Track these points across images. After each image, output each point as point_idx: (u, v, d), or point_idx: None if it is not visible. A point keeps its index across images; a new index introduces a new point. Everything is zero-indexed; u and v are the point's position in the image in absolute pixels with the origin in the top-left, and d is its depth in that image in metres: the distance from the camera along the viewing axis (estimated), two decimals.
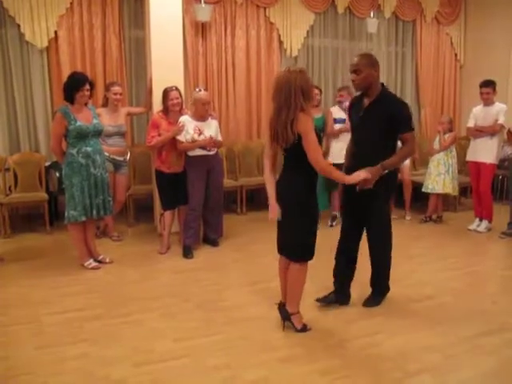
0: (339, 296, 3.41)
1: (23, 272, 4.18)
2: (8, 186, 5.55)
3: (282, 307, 3.05)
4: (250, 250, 4.71)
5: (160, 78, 4.86)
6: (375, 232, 3.32)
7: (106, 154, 4.52)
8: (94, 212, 4.12)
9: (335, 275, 3.44)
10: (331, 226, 5.57)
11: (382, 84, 3.20)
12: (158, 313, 3.33)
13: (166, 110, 4.59)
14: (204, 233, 4.92)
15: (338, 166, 5.35)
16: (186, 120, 4.46)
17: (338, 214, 5.60)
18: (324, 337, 2.99)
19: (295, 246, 2.91)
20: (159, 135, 4.50)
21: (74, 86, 3.98)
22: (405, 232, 5.36)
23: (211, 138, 4.46)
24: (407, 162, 5.72)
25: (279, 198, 2.89)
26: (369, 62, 3.08)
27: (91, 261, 4.26)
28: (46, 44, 5.73)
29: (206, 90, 4.73)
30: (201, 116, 4.48)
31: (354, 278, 3.46)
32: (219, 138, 4.65)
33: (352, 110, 3.38)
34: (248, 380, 2.52)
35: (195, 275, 4.07)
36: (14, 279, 4.02)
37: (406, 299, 3.55)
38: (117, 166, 5.00)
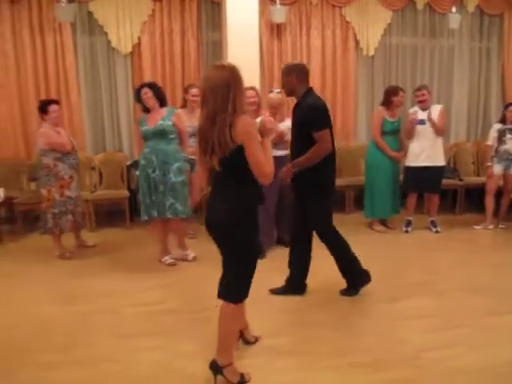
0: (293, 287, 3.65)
1: (105, 264, 4.45)
2: (93, 184, 5.91)
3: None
4: (321, 253, 4.64)
5: None
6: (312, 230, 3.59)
7: (185, 154, 4.66)
8: (154, 212, 4.24)
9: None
10: (406, 231, 5.37)
11: (310, 89, 3.40)
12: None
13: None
14: (278, 234, 4.93)
15: (413, 169, 5.24)
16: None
17: (412, 218, 5.40)
18: (398, 345, 2.89)
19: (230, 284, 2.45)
20: None
21: (136, 95, 4.33)
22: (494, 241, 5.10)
23: (282, 132, 4.46)
24: None
25: (214, 228, 2.43)
26: (286, 70, 3.41)
27: (167, 257, 4.42)
28: (129, 49, 6.07)
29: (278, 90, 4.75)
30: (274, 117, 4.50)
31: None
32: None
33: None
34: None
35: (265, 275, 4.06)
36: (98, 271, 4.29)
37: (488, 311, 3.35)
38: (192, 166, 5.16)
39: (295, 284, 3.67)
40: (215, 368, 2.48)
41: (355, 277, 3.63)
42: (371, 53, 6.73)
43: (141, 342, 2.96)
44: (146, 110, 4.29)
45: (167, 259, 4.41)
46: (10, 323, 3.28)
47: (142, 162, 4.25)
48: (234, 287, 2.43)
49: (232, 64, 2.33)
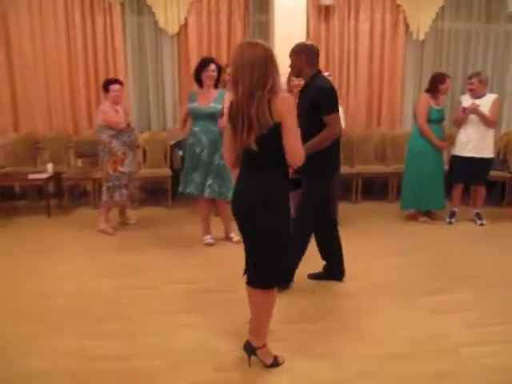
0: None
1: (146, 241, 4.56)
2: (138, 162, 6.04)
3: None
4: (363, 241, 4.60)
5: (283, 62, 4.88)
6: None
7: None
8: (190, 189, 4.28)
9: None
10: (450, 223, 5.20)
11: (319, 71, 3.32)
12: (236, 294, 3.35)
13: (289, 93, 4.60)
14: None
15: (458, 158, 5.06)
16: None
17: (457, 210, 5.24)
18: (437, 338, 2.83)
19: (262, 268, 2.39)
20: None
21: (200, 66, 4.21)
22: None
23: None
24: None
25: (245, 210, 2.35)
26: (296, 50, 3.31)
27: (208, 237, 4.47)
28: (176, 30, 6.11)
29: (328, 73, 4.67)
30: None
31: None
32: (343, 124, 4.55)
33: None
34: (352, 373, 2.48)
35: (305, 261, 4.03)
36: (139, 247, 4.41)
37: None
38: None
39: (333, 271, 3.64)
40: (249, 349, 2.50)
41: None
42: (421, 37, 6.49)
43: (177, 319, 3.02)
44: (201, 85, 4.26)
45: (207, 239, 4.46)
46: (53, 294, 3.42)
47: (191, 139, 4.27)
48: (263, 272, 2.38)
49: (262, 40, 2.28)
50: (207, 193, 4.26)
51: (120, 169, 4.74)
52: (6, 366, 2.52)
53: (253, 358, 2.50)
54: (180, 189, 4.40)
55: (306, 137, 3.17)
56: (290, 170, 2.40)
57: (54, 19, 5.99)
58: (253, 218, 2.31)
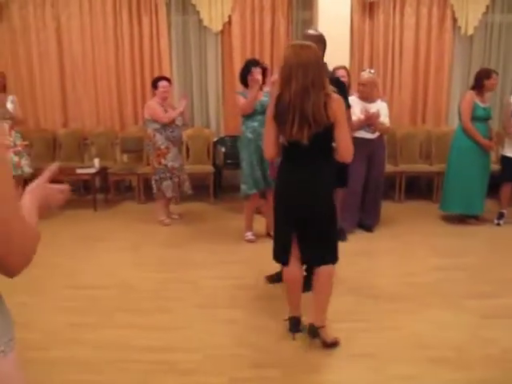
0: None
1: (188, 236, 4.64)
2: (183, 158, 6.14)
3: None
4: (406, 240, 4.52)
5: (326, 59, 4.84)
6: None
7: None
8: (262, 185, 4.27)
9: None
10: (498, 224, 4.99)
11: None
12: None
13: None
14: (360, 217, 4.83)
15: (508, 159, 4.86)
16: (353, 101, 4.39)
17: (505, 211, 5.03)
18: (484, 344, 2.73)
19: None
20: None
21: (246, 69, 4.23)
22: None
23: (373, 114, 4.29)
24: None
25: (307, 199, 2.50)
26: (314, 38, 2.82)
27: (249, 233, 4.49)
28: (220, 28, 6.16)
29: (372, 71, 4.61)
30: (362, 97, 4.38)
31: None
32: (386, 120, 4.47)
33: None
34: (392, 374, 2.44)
35: (348, 259, 4.00)
36: (181, 242, 4.49)
37: None
38: None
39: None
40: (313, 331, 2.63)
41: None
42: (470, 32, 6.26)
43: (217, 314, 3.07)
44: (247, 86, 4.25)
45: (248, 235, 4.49)
46: (99, 284, 3.55)
47: (250, 135, 4.22)
48: (333, 249, 2.59)
49: (309, 42, 2.43)
50: (267, 184, 4.24)
51: (163, 162, 4.88)
52: (51, 353, 2.63)
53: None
54: (253, 190, 4.29)
55: None
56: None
57: (103, 19, 6.18)
58: (321, 204, 2.51)
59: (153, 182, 5.01)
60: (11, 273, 0.88)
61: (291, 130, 2.35)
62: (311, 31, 3.15)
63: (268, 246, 4.32)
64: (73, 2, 6.14)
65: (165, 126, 4.83)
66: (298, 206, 2.52)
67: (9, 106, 4.88)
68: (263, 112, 4.11)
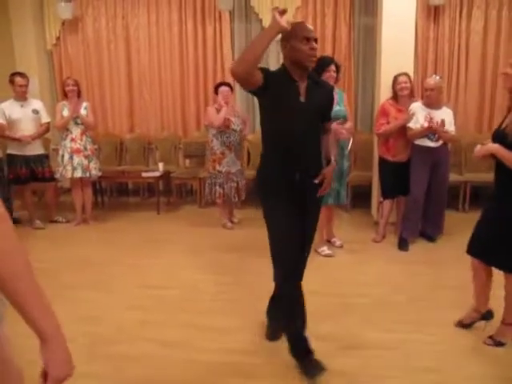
0: None
1: (246, 241, 4.67)
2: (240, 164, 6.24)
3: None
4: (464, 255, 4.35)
5: (389, 65, 4.83)
6: None
7: None
8: (330, 199, 4.19)
9: None
10: None
11: None
12: (369, 300, 3.36)
13: (395, 97, 4.50)
14: (422, 226, 4.71)
15: None
16: (417, 107, 4.32)
17: None
18: None
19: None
20: (388, 123, 4.43)
21: (320, 67, 3.94)
22: None
23: (441, 122, 4.16)
24: None
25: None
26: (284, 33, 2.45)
27: (325, 248, 4.34)
28: (281, 35, 6.20)
29: (439, 77, 4.52)
30: (428, 103, 4.29)
31: None
32: (452, 128, 4.35)
33: None
34: None
35: (409, 269, 3.96)
36: (239, 246, 4.55)
37: None
38: None
39: None
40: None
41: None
42: None
43: None
44: None
45: (325, 250, 4.32)
46: (163, 285, 3.69)
47: None
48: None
49: None
50: (342, 201, 4.39)
51: (218, 167, 5.00)
52: (115, 348, 2.77)
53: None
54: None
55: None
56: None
57: (169, 29, 6.44)
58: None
59: (206, 186, 5.16)
60: None
61: None
62: None
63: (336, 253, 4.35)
64: (141, 13, 6.44)
65: (221, 132, 4.93)
66: None
67: (83, 111, 5.17)
68: (336, 120, 3.89)
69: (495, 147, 2.54)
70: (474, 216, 5.48)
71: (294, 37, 2.37)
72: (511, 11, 5.99)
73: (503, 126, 2.59)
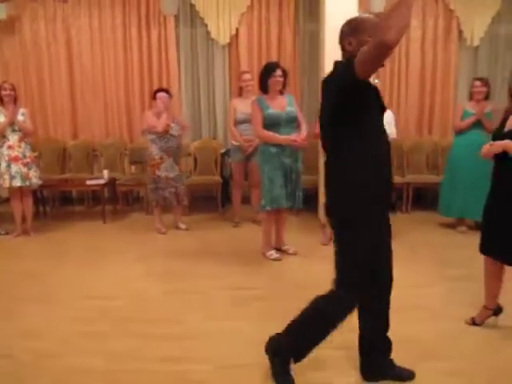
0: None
1: (196, 247, 4.66)
2: (189, 170, 6.20)
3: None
4: (412, 255, 4.52)
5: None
6: None
7: (235, 143, 5.17)
8: (285, 202, 4.09)
9: None
10: None
11: None
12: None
13: None
14: None
15: None
16: None
17: None
18: None
19: None
20: None
21: (267, 72, 4.06)
22: None
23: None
24: None
25: None
26: (348, 28, 2.13)
27: (273, 252, 4.33)
28: (227, 40, 6.25)
29: (378, 80, 4.64)
30: None
31: None
32: (392, 129, 4.47)
33: None
34: None
35: None
36: (189, 253, 4.50)
37: None
38: (249, 155, 5.16)
39: None
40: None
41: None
42: (476, 43, 6.32)
43: (227, 325, 3.06)
44: (266, 91, 4.08)
45: (273, 254, 4.31)
46: (112, 295, 3.56)
47: (273, 149, 3.98)
48: None
49: None
50: (298, 204, 4.21)
51: (157, 172, 4.98)
52: (60, 361, 2.65)
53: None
54: (273, 205, 4.08)
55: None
56: None
57: (113, 33, 6.30)
58: None
59: (148, 191, 5.18)
60: None
61: None
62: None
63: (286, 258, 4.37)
64: (83, 15, 6.27)
65: (160, 137, 4.91)
66: None
67: (20, 118, 4.95)
68: (286, 123, 4.01)
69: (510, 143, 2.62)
70: (417, 216, 5.79)
71: (363, 31, 2.03)
72: (446, 21, 6.29)
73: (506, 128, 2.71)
